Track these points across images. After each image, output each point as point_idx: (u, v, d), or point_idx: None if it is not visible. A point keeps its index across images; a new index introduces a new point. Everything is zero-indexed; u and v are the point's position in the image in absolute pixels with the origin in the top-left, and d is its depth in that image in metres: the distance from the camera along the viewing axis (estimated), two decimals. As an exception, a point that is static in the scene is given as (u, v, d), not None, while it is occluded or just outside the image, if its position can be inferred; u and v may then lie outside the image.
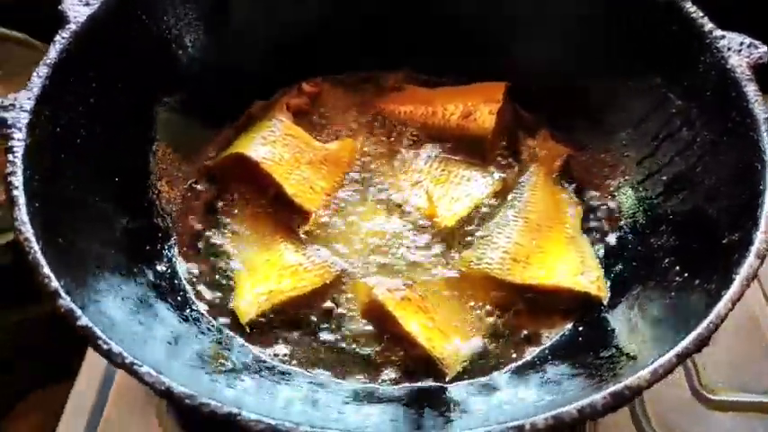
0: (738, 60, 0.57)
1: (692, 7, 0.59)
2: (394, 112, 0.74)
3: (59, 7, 0.58)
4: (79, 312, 0.42)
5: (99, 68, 0.59)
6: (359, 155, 0.70)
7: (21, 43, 0.83)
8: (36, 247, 0.45)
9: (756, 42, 0.57)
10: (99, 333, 0.41)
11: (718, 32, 0.58)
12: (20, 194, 0.47)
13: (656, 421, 0.65)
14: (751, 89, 0.55)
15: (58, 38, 0.56)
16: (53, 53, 0.55)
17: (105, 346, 0.41)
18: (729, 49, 0.57)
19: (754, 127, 0.53)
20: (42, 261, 0.44)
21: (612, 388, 0.41)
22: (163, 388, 0.39)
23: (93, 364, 0.65)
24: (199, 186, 0.68)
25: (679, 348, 0.43)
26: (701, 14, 0.59)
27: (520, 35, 0.71)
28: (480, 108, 0.71)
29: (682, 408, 0.66)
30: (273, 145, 0.66)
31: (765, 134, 0.52)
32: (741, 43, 0.57)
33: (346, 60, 0.77)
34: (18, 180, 0.48)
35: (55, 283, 0.43)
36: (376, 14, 0.74)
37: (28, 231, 0.45)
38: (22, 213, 0.46)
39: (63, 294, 0.43)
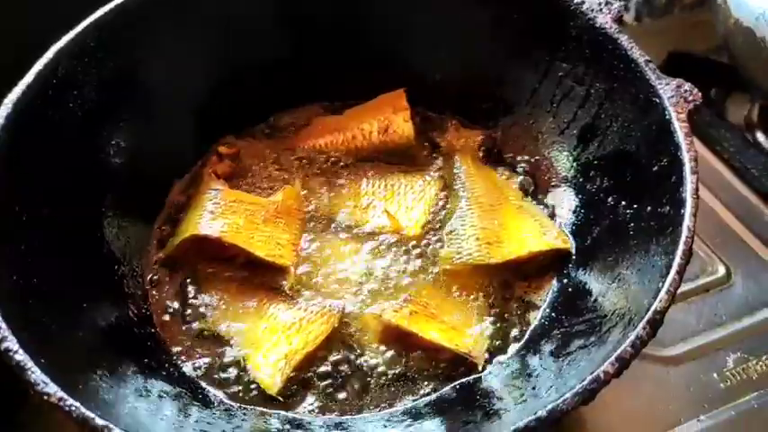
0: (603, 18, 0.66)
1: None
2: (315, 146, 0.75)
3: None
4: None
5: (25, 185, 0.56)
6: (304, 198, 0.71)
7: None
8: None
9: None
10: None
11: (577, -1, 0.67)
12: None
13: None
14: (623, 38, 0.64)
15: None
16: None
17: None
18: (592, 10, 0.66)
19: (638, 69, 0.62)
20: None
21: (633, 335, 0.46)
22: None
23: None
24: (164, 278, 0.65)
25: (673, 272, 0.50)
26: (559, -13, 0.68)
27: (410, 41, 0.75)
28: (393, 119, 0.75)
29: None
30: (224, 216, 0.65)
31: (650, 72, 0.62)
32: (599, 3, 0.67)
33: (248, 113, 0.77)
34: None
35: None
36: (266, 61, 0.75)
37: (37, 373, 0.43)
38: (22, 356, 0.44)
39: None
